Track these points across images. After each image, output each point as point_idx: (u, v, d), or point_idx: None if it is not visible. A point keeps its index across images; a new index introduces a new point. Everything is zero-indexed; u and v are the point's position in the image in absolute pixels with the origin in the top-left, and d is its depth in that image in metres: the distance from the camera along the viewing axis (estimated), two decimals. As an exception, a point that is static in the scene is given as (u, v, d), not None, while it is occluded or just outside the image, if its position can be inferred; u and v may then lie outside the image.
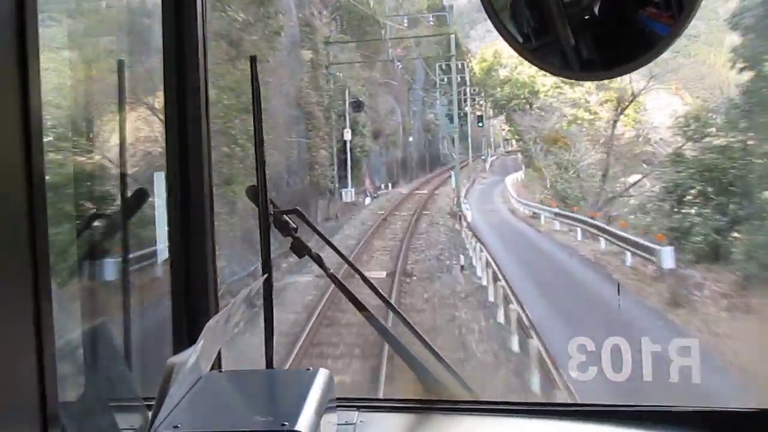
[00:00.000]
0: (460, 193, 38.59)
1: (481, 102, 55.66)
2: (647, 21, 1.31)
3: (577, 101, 38.75)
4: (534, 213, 33.35)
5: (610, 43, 1.36)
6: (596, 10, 1.37)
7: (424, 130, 56.34)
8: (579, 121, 38.24)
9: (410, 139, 51.28)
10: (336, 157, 34.98)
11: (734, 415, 2.08)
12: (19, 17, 1.02)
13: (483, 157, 58.50)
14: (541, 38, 1.43)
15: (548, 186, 36.52)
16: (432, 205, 37.81)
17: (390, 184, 44.76)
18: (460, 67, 52.28)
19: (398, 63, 45.31)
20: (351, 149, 36.54)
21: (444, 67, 53.37)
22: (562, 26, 1.39)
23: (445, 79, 53.31)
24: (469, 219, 31.07)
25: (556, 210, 30.68)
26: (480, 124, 52.40)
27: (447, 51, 52.23)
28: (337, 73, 37.39)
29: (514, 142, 58.17)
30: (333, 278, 2.27)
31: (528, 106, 42.78)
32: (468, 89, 52.95)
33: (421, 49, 52.53)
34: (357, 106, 37.87)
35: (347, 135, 36.20)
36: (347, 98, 37.13)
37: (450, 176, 47.79)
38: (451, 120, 58.75)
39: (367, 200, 38.21)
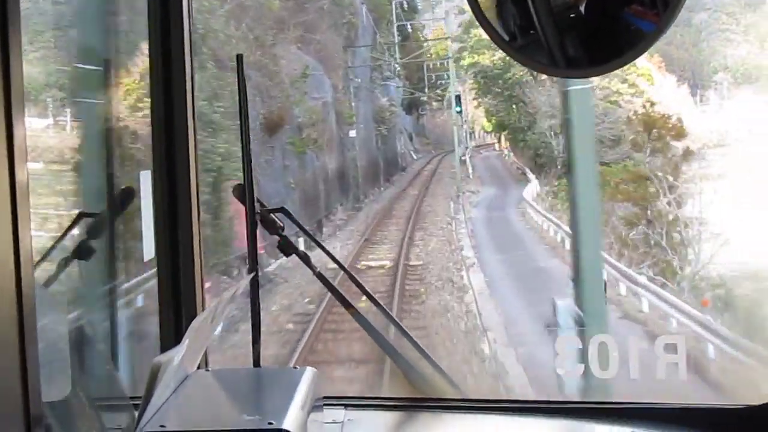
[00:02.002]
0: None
1: (447, 76, 38.66)
2: (633, 19, 1.32)
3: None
4: None
5: (596, 41, 1.37)
6: (582, 8, 1.38)
7: (375, 120, 35.90)
8: (614, 97, 27.09)
9: (351, 133, 30.42)
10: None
11: (720, 411, 2.09)
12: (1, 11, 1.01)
13: (463, 157, 36.68)
14: (527, 36, 1.44)
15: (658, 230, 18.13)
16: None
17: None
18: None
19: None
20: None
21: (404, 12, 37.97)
22: (549, 24, 1.40)
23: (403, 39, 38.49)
24: None
25: None
26: (458, 109, 34.53)
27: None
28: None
29: (477, 132, 44.14)
30: (320, 277, 2.28)
31: (532, 77, 29.64)
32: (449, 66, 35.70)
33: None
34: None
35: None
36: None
37: (422, 193, 30.69)
38: (410, 110, 44.24)
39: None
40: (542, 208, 24.33)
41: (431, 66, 40.56)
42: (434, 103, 45.74)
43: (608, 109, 26.45)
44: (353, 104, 31.41)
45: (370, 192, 31.62)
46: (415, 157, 44.47)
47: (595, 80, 22.50)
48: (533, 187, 28.36)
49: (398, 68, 39.18)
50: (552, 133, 27.65)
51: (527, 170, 31.22)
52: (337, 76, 29.73)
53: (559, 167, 26.96)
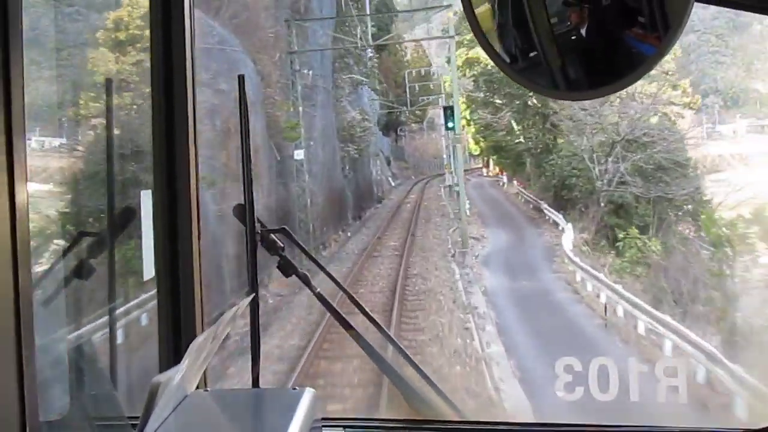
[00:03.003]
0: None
1: (432, 86, 32.37)
2: (634, 42, 1.34)
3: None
4: None
5: (597, 64, 1.39)
6: (583, 31, 1.40)
7: (342, 138, 26.64)
8: (664, 108, 19.97)
9: (297, 154, 21.12)
10: None
11: None
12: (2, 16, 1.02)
13: (456, 187, 25.95)
14: (528, 58, 1.45)
15: None
16: None
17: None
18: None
19: None
20: None
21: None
22: (550, 47, 1.41)
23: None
24: None
25: None
26: (450, 125, 24.32)
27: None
28: None
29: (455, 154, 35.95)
30: (319, 297, 2.28)
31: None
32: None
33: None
34: None
35: None
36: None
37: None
38: (387, 131, 35.95)
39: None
40: (589, 268, 15.43)
41: (414, 74, 34.55)
42: (413, 125, 40.79)
43: (662, 125, 19.35)
44: (301, 110, 21.13)
45: (331, 239, 21.40)
46: (393, 183, 37.20)
47: (638, 85, 16.58)
48: (570, 235, 19.56)
49: (371, 55, 29.14)
50: (593, 156, 19.13)
51: (544, 205, 23.59)
52: (270, 61, 19.28)
53: (602, 205, 18.92)
